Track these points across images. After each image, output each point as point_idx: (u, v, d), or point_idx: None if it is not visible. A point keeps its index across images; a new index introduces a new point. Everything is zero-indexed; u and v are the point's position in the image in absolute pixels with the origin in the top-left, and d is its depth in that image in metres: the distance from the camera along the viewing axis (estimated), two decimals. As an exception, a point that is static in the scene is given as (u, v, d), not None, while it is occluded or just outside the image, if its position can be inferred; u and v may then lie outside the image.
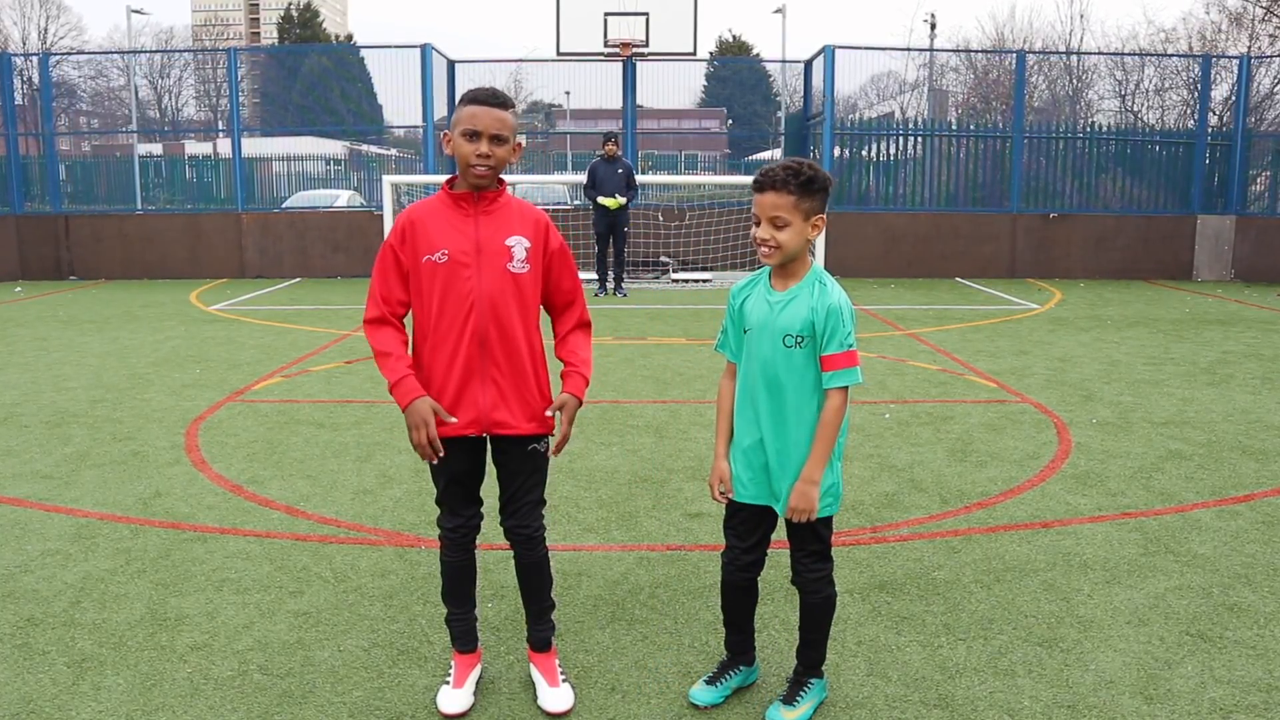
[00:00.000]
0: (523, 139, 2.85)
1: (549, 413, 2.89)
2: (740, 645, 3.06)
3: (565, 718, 2.90)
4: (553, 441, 2.94)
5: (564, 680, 3.03)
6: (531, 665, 3.10)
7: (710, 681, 3.01)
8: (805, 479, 2.72)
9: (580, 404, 2.92)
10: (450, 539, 2.97)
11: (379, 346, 2.81)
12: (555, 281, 2.93)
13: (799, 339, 2.71)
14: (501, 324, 2.80)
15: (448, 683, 2.99)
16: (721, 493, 2.90)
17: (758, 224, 2.72)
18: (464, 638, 3.05)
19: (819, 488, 2.72)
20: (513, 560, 3.08)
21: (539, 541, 3.01)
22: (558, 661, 3.11)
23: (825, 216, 2.72)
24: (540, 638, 3.10)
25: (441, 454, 2.79)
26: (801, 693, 2.92)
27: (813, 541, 2.86)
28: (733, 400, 2.89)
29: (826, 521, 2.85)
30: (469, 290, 2.77)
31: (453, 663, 3.05)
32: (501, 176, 2.85)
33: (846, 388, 2.70)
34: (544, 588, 3.08)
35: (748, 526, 2.91)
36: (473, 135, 2.73)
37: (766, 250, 2.71)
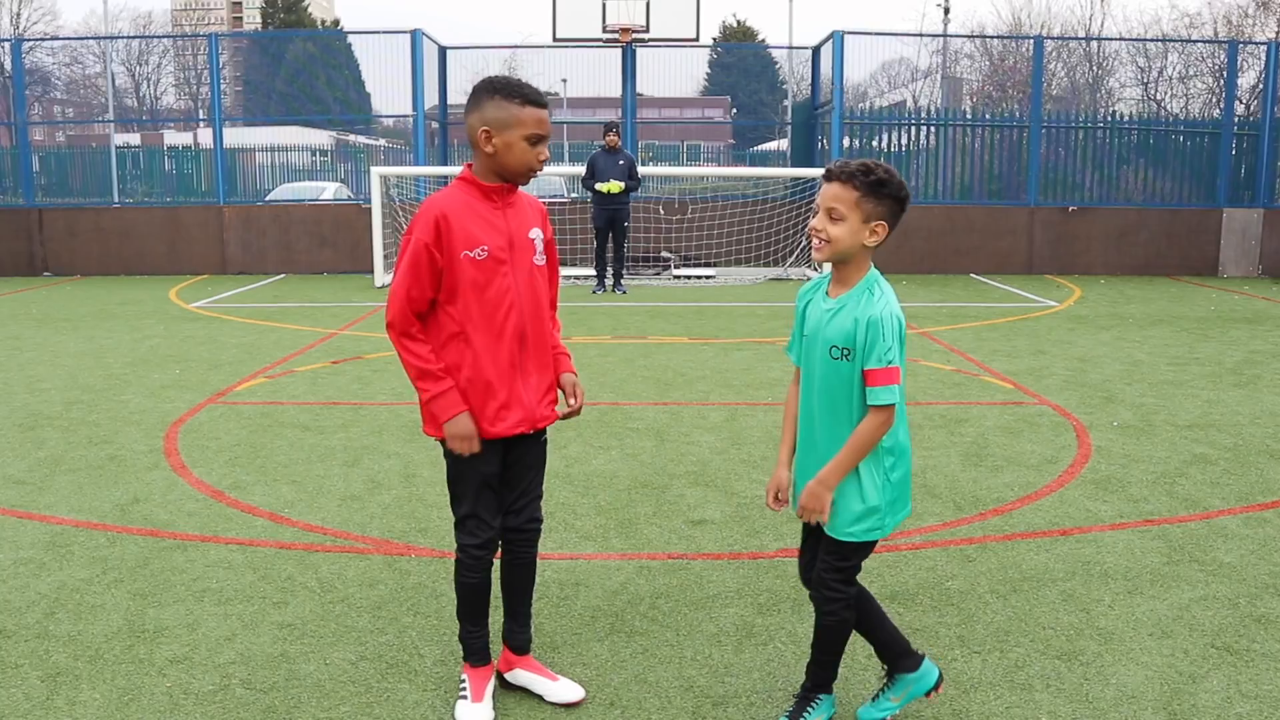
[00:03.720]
0: None
1: (569, 404, 3.04)
2: (887, 655, 2.99)
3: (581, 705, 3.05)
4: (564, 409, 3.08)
5: None
6: (520, 671, 3.15)
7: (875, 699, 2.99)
8: (819, 480, 2.72)
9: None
10: (479, 555, 2.95)
11: (419, 363, 2.82)
12: (549, 275, 3.05)
13: (845, 351, 2.69)
14: (536, 319, 2.91)
15: (465, 697, 3.00)
16: (776, 498, 2.90)
17: (816, 214, 2.73)
18: (481, 652, 3.07)
19: (831, 493, 2.72)
20: (505, 563, 3.13)
21: (540, 532, 3.14)
22: None
23: (886, 226, 2.67)
24: (526, 639, 3.19)
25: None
26: (807, 710, 2.92)
27: (835, 557, 2.81)
28: (797, 407, 2.89)
29: (859, 547, 2.78)
30: (508, 287, 2.83)
31: (466, 677, 3.05)
32: None
33: (886, 407, 2.65)
34: (532, 583, 3.19)
35: (812, 532, 2.92)
36: (539, 140, 2.81)
37: (817, 243, 2.71)
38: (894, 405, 2.66)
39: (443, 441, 2.90)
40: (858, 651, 3.36)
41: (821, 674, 2.93)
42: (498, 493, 2.98)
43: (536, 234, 2.92)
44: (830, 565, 2.82)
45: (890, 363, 2.63)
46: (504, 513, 3.03)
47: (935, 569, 4.07)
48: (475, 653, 3.07)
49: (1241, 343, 9.49)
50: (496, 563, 3.05)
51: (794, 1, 37.63)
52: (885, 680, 2.99)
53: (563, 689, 3.08)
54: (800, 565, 3.01)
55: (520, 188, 2.95)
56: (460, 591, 3.02)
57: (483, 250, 2.79)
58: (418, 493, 5.00)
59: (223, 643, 3.45)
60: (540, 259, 2.93)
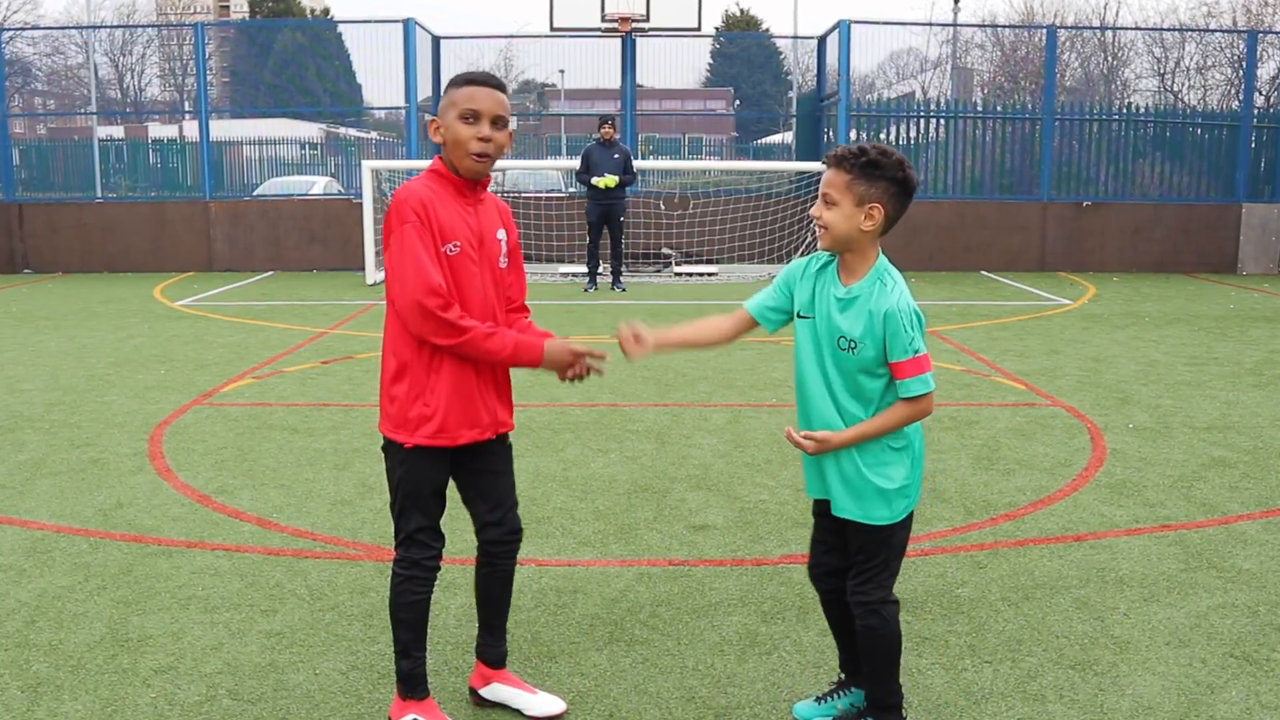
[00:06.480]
0: (514, 124, 2.86)
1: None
2: (851, 666, 3.05)
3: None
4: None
5: None
6: (498, 685, 3.13)
7: (819, 699, 3.07)
8: (833, 434, 2.71)
9: None
10: (433, 566, 2.92)
11: (474, 333, 2.72)
12: (513, 276, 2.99)
13: (853, 344, 2.71)
14: (498, 322, 2.88)
15: None
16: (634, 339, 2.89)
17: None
18: (423, 682, 2.98)
19: (831, 447, 2.73)
20: (484, 575, 3.10)
21: (520, 543, 3.10)
22: None
23: (882, 209, 2.66)
24: (503, 653, 3.16)
25: (604, 360, 2.87)
26: None
27: (861, 556, 2.82)
28: (710, 329, 2.94)
29: (886, 539, 2.78)
30: (478, 287, 2.81)
31: (419, 716, 2.93)
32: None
33: (920, 397, 2.67)
34: (510, 596, 3.16)
35: (823, 527, 2.95)
36: (472, 117, 2.74)
37: (819, 231, 2.76)
38: (930, 394, 2.69)
39: (396, 448, 2.85)
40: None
41: (870, 691, 2.90)
42: (444, 500, 2.94)
43: (503, 235, 2.91)
44: (856, 564, 2.83)
45: (917, 352, 2.66)
46: (483, 525, 3.01)
47: (945, 575, 4.07)
48: (418, 684, 2.96)
49: (1261, 342, 9.49)
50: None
51: (799, -10, 37.60)
52: (838, 687, 3.05)
53: (542, 702, 3.06)
54: (814, 560, 3.02)
55: (505, 179, 2.94)
56: (408, 613, 2.90)
57: (455, 246, 2.75)
58: (410, 497, 5.00)
59: (209, 652, 3.45)
60: (504, 261, 2.91)
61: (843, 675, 3.08)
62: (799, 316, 2.84)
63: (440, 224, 2.73)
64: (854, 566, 2.84)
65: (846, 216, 2.68)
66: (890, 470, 2.74)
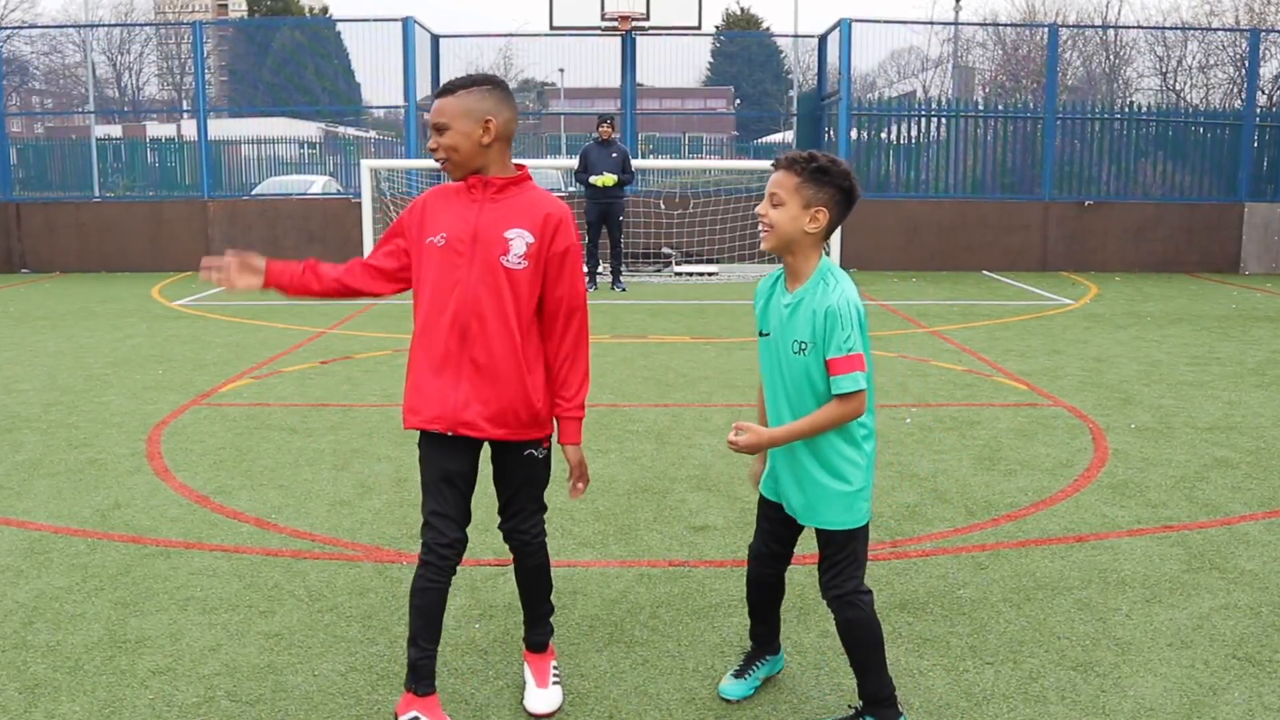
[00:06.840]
0: (468, 122, 2.81)
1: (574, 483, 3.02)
2: (764, 637, 3.18)
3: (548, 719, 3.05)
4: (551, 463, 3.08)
5: (555, 683, 3.14)
6: (525, 664, 3.21)
7: (738, 674, 3.17)
8: (770, 434, 2.79)
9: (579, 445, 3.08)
10: (446, 554, 2.88)
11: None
12: (550, 286, 2.90)
13: (803, 345, 2.77)
14: (485, 319, 2.83)
15: None
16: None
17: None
18: (431, 677, 2.96)
19: (764, 445, 2.82)
20: (502, 578, 3.13)
21: (537, 548, 3.10)
22: (554, 663, 3.21)
23: (827, 213, 2.75)
24: (536, 641, 3.22)
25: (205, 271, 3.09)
26: None
27: (829, 549, 2.86)
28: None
29: (851, 533, 2.84)
30: (457, 279, 2.84)
31: (419, 714, 2.91)
32: (519, 162, 2.97)
33: (850, 395, 2.71)
34: (541, 593, 3.19)
35: (769, 517, 3.03)
36: (432, 129, 2.91)
37: (762, 229, 2.83)
38: (861, 392, 2.72)
39: (419, 437, 2.98)
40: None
41: (861, 685, 2.92)
42: (464, 492, 2.95)
43: (517, 234, 2.82)
44: (828, 562, 2.87)
45: (851, 350, 2.70)
46: (499, 512, 3.09)
47: (946, 576, 4.08)
48: (425, 677, 2.93)
49: (1264, 342, 9.49)
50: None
51: (800, -12, 37.62)
52: (753, 660, 3.18)
53: (536, 698, 3.09)
54: (756, 546, 3.10)
55: (539, 185, 2.96)
56: (419, 599, 2.90)
57: (441, 237, 2.86)
58: (410, 497, 5.00)
59: (207, 653, 3.45)
60: (515, 262, 2.81)
61: (753, 645, 3.20)
62: (760, 335, 2.93)
63: (434, 218, 2.91)
64: (823, 561, 2.89)
65: (792, 217, 2.76)
66: (848, 475, 2.80)
